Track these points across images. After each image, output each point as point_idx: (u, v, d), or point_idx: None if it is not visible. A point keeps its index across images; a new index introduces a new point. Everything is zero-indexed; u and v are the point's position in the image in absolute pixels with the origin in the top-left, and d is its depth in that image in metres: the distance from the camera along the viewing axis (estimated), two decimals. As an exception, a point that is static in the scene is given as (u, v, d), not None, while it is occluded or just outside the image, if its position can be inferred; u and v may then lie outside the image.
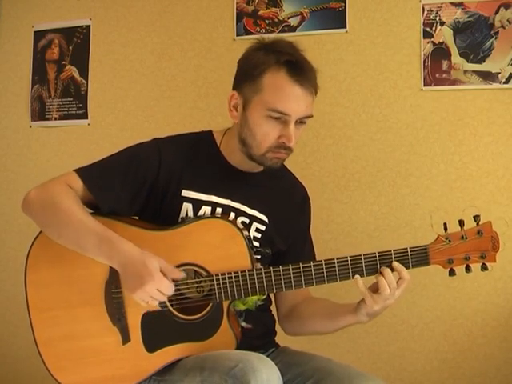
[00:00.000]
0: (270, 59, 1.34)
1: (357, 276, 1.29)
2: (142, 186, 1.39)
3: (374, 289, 1.30)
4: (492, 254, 1.30)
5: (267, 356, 1.42)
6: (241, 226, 1.36)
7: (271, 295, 1.54)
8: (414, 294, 2.06)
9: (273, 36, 1.58)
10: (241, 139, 1.40)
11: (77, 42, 2.48)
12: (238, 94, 1.39)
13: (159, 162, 1.39)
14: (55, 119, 2.50)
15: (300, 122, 1.37)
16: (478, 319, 2.03)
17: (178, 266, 1.33)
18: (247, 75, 1.37)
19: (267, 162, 1.39)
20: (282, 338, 1.57)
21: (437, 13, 2.08)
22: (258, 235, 1.46)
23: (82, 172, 1.38)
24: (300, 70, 1.34)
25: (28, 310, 1.36)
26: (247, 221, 1.44)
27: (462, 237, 1.29)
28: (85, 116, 2.46)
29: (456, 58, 2.06)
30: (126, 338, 1.33)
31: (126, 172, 1.37)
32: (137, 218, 1.46)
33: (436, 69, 2.08)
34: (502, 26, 2.03)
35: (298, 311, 1.51)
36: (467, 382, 2.03)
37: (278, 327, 1.58)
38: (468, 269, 1.31)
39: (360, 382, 1.27)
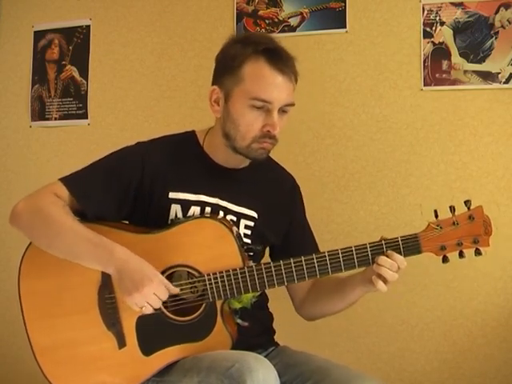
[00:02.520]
0: (247, 50, 1.34)
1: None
2: (127, 191, 1.38)
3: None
4: (485, 239, 1.28)
5: (266, 355, 1.43)
6: (230, 224, 1.36)
7: (275, 290, 1.53)
8: (414, 294, 2.06)
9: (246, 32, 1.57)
10: (224, 133, 1.39)
11: (77, 42, 2.48)
12: (218, 88, 1.39)
13: (143, 165, 1.39)
14: (55, 119, 2.50)
15: (282, 110, 1.36)
16: (477, 319, 2.03)
17: (170, 268, 1.33)
18: (226, 68, 1.36)
19: (253, 154, 1.38)
20: (281, 337, 1.57)
21: (437, 13, 2.08)
22: (248, 232, 1.45)
23: (66, 180, 1.38)
24: (279, 57, 1.34)
25: (23, 318, 1.37)
26: (235, 219, 1.43)
27: (454, 223, 1.28)
28: (85, 116, 2.46)
29: (456, 58, 2.06)
30: (121, 343, 1.33)
31: (109, 177, 1.37)
32: (127, 222, 1.45)
33: (436, 69, 2.08)
34: (502, 26, 2.03)
35: (311, 295, 1.51)
36: (467, 383, 2.03)
37: (276, 325, 1.58)
38: (461, 254, 1.29)
39: (358, 383, 1.27)
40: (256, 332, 1.46)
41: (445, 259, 1.30)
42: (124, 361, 1.33)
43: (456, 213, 1.28)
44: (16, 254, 2.55)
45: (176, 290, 1.30)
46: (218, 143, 1.42)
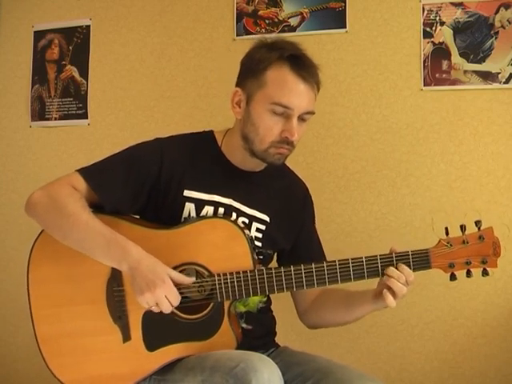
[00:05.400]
0: (273, 55, 1.35)
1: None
2: (143, 186, 1.39)
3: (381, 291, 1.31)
4: (493, 260, 1.30)
5: (267, 356, 1.42)
6: (242, 226, 1.37)
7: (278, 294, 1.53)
8: (414, 294, 2.06)
9: (274, 36, 1.59)
10: (243, 135, 1.40)
11: (77, 42, 2.48)
12: (241, 90, 1.40)
13: (161, 162, 1.40)
14: (55, 119, 2.50)
15: (302, 118, 1.37)
16: (478, 319, 2.03)
17: (180, 265, 1.33)
18: (250, 71, 1.38)
19: (269, 158, 1.39)
20: (282, 338, 1.57)
21: (437, 13, 2.08)
22: (259, 235, 1.46)
23: (84, 172, 1.38)
24: (303, 65, 1.35)
25: (29, 306, 1.36)
26: (247, 221, 1.44)
27: (464, 241, 1.29)
28: (85, 116, 2.46)
29: (456, 58, 2.06)
30: (126, 337, 1.33)
31: (128, 171, 1.38)
32: (137, 216, 1.46)
33: (436, 69, 2.08)
34: (502, 26, 2.03)
35: (316, 304, 1.51)
36: (467, 382, 2.03)
37: (277, 328, 1.58)
38: (469, 273, 1.31)
39: (360, 382, 1.27)
40: (258, 334, 1.46)
41: (452, 277, 1.31)
42: (127, 354, 1.33)
43: (466, 232, 1.29)
44: (16, 254, 2.56)
45: (190, 280, 1.29)
46: (235, 145, 1.43)
